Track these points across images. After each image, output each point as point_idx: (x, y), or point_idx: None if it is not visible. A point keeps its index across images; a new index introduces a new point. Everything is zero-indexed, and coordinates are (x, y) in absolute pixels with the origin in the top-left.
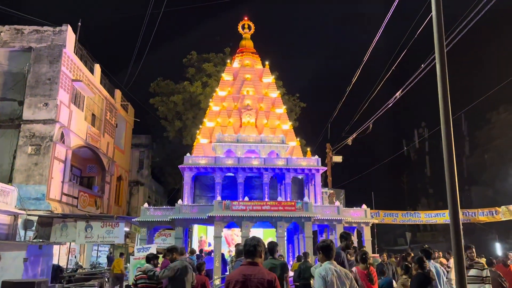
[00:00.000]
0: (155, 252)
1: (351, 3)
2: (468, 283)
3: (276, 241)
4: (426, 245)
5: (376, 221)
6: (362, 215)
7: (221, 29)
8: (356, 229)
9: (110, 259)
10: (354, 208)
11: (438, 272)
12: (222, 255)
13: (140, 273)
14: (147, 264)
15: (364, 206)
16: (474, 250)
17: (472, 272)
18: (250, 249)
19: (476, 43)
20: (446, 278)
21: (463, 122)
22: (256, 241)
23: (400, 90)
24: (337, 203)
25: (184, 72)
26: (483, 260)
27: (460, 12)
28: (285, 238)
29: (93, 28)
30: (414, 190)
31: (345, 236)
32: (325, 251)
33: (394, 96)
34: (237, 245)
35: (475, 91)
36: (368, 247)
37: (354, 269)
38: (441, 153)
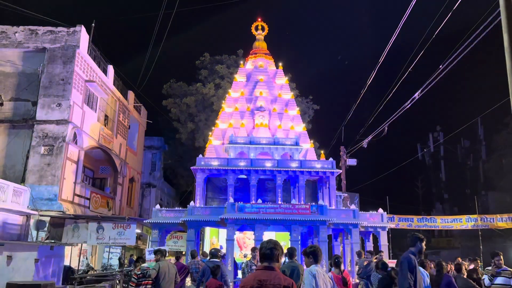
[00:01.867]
0: (166, 255)
1: (368, 3)
2: None
3: (290, 245)
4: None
5: (392, 226)
6: (379, 220)
7: (234, 30)
8: (371, 234)
9: (131, 262)
10: (370, 212)
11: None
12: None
13: (139, 272)
14: (143, 264)
15: (380, 210)
16: (502, 257)
17: (499, 280)
18: (266, 252)
19: (496, 46)
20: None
21: (479, 126)
22: (273, 244)
23: (419, 91)
24: (353, 206)
25: (197, 74)
26: None
27: (485, 11)
28: (299, 242)
29: (106, 29)
30: (429, 195)
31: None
32: (314, 255)
33: (413, 97)
34: (253, 249)
35: (494, 95)
36: (384, 252)
37: (329, 274)
38: (456, 157)
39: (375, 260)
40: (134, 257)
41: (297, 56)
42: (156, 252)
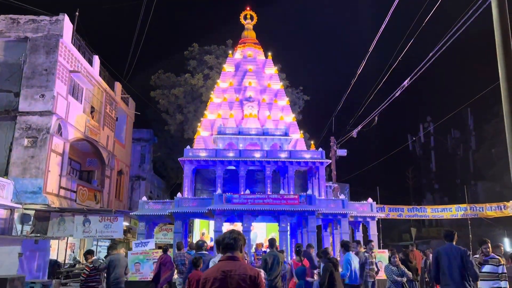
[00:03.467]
0: (153, 247)
1: None
2: (482, 279)
3: (279, 235)
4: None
5: (383, 216)
6: (368, 209)
7: (223, 20)
8: (361, 224)
9: None
10: (360, 202)
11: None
12: None
13: (91, 265)
14: (94, 257)
15: (370, 200)
16: (490, 245)
17: (487, 268)
18: (230, 242)
19: (483, 32)
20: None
21: (469, 117)
22: (237, 234)
23: (408, 78)
24: (342, 196)
25: (185, 64)
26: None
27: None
28: (288, 233)
29: (91, 18)
30: (419, 185)
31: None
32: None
33: (401, 85)
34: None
35: (483, 83)
36: (374, 242)
37: (290, 261)
38: (446, 148)
39: (363, 250)
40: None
41: (286, 46)
42: (109, 248)
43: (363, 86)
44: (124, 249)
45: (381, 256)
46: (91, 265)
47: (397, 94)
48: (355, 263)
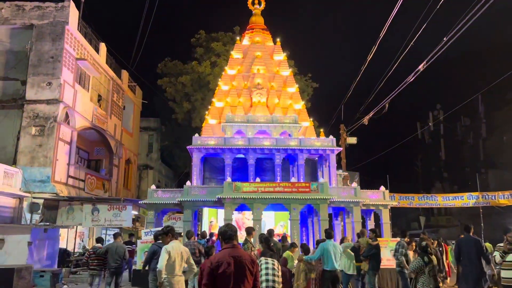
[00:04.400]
0: None
1: None
2: (506, 269)
3: (289, 224)
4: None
5: (395, 203)
6: (380, 197)
7: (230, 6)
8: (373, 212)
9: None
10: (372, 190)
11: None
12: None
13: (91, 250)
14: (96, 244)
15: (382, 188)
16: None
17: (511, 257)
18: (232, 233)
19: (494, 22)
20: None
21: (480, 104)
22: (235, 227)
23: (424, 62)
24: (354, 184)
25: (192, 52)
26: None
27: None
28: (299, 222)
29: (97, 6)
30: (428, 174)
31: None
32: (171, 232)
33: (416, 70)
34: (248, 230)
35: (494, 70)
36: (386, 230)
37: (255, 251)
38: (456, 136)
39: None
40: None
41: (295, 33)
42: (97, 240)
43: (372, 73)
44: (134, 238)
45: (394, 245)
46: (91, 250)
47: (411, 80)
48: (333, 250)
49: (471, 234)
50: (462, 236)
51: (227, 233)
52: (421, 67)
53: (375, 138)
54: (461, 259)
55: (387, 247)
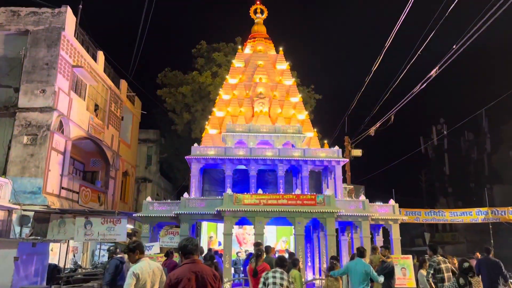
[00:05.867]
0: (158, 251)
1: None
2: None
3: (293, 240)
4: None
5: (406, 218)
6: (390, 211)
7: (232, 16)
8: (381, 228)
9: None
10: (380, 203)
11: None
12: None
13: None
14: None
15: (391, 201)
16: None
17: None
18: (193, 247)
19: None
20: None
21: (484, 119)
22: (196, 241)
23: (436, 68)
24: (362, 197)
25: (193, 62)
26: None
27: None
28: (304, 237)
29: (96, 15)
30: (433, 189)
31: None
32: (139, 248)
33: (428, 76)
34: (257, 245)
35: (498, 85)
36: (396, 247)
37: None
38: (460, 150)
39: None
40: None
41: (297, 44)
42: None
43: (376, 85)
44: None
45: (405, 262)
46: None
47: (422, 86)
48: (359, 270)
49: (491, 256)
50: (481, 256)
51: (187, 248)
52: (433, 72)
53: (380, 151)
54: (481, 278)
55: (398, 264)
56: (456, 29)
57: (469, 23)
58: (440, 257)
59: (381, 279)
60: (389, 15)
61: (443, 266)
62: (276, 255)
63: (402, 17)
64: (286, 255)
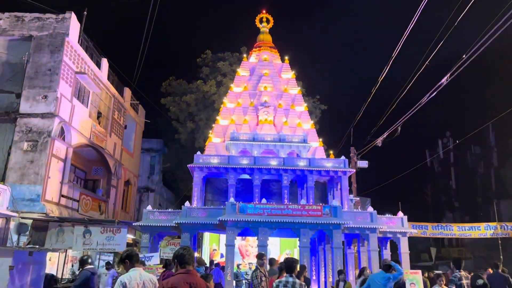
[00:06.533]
0: (158, 262)
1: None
2: None
3: (298, 252)
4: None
5: (415, 231)
6: (399, 224)
7: (237, 27)
8: (389, 241)
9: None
10: (388, 215)
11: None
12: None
13: None
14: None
15: (400, 213)
16: None
17: None
18: (189, 258)
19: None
20: None
21: (490, 132)
22: (193, 252)
23: (447, 76)
24: (370, 208)
25: (198, 72)
26: None
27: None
28: (309, 249)
29: (101, 22)
30: (439, 203)
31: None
32: (130, 258)
33: (440, 83)
34: (260, 256)
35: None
36: (405, 261)
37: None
38: (466, 164)
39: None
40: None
41: (303, 54)
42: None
43: (382, 96)
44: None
45: (414, 277)
46: None
47: (433, 95)
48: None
49: (499, 271)
50: (492, 271)
51: (185, 257)
52: (444, 80)
53: (385, 163)
54: None
55: (407, 279)
56: (466, 37)
57: (478, 31)
58: (463, 272)
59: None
60: (397, 24)
61: (464, 282)
62: None
63: (410, 27)
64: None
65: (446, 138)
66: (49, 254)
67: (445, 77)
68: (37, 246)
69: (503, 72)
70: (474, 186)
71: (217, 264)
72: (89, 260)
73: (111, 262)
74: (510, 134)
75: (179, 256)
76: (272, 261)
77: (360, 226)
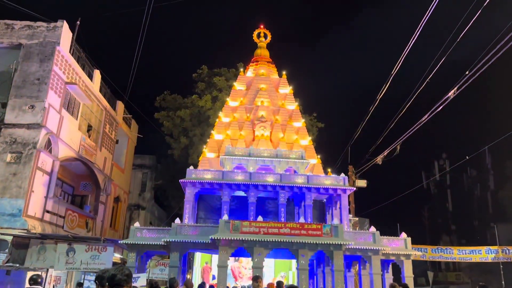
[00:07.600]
0: (144, 284)
1: (378, 16)
2: None
3: (295, 275)
4: None
5: (419, 254)
6: (402, 246)
7: (234, 42)
8: (391, 263)
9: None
10: (391, 236)
11: None
12: None
13: None
14: None
15: (403, 234)
16: None
17: None
18: (123, 278)
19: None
20: None
21: (487, 155)
22: (128, 270)
23: (455, 89)
24: (373, 228)
25: (193, 87)
26: None
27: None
28: (308, 271)
29: (95, 35)
30: (435, 225)
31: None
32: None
33: (445, 97)
34: (256, 278)
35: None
36: (409, 285)
37: None
38: (463, 187)
39: None
40: None
41: (300, 71)
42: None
43: (380, 114)
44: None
45: None
46: None
47: (438, 110)
48: None
49: None
50: None
51: (116, 278)
52: (451, 93)
53: (382, 183)
54: None
55: None
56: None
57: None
58: None
59: None
60: (397, 40)
61: None
62: None
63: (409, 46)
64: None
65: (443, 160)
66: (29, 274)
67: (452, 91)
68: (17, 265)
69: (500, 93)
70: (471, 209)
71: (211, 287)
72: (39, 280)
73: (81, 282)
74: (507, 157)
75: (110, 278)
76: (280, 284)
77: (362, 247)
